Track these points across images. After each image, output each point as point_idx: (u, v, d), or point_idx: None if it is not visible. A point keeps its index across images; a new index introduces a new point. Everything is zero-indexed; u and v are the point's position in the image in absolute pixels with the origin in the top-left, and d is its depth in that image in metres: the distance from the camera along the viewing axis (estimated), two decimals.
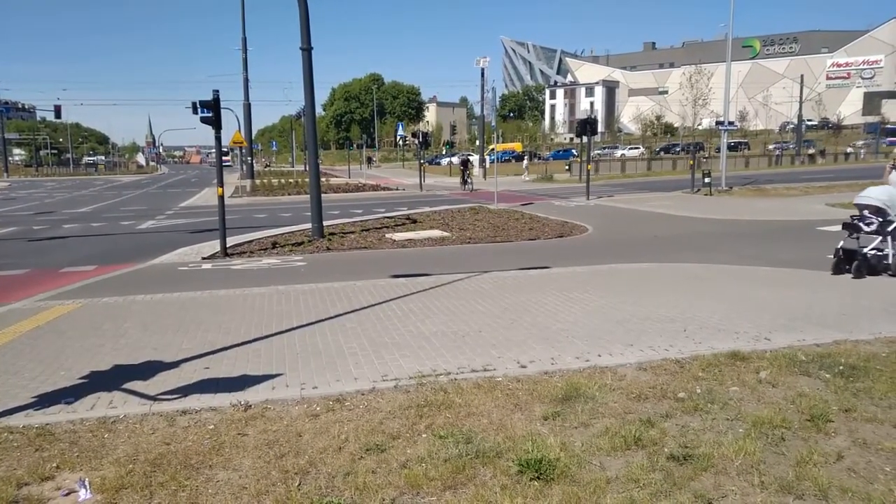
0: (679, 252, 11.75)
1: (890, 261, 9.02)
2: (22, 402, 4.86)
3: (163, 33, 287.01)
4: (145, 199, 32.43)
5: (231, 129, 36.40)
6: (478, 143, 53.02)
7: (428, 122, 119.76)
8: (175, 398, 4.89)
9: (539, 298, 7.95)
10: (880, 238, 9.12)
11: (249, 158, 42.98)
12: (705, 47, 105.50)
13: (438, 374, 5.25)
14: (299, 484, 3.59)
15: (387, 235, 14.65)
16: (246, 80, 42.02)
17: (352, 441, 4.09)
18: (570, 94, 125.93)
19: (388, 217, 18.79)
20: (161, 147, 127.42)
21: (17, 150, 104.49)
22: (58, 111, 62.15)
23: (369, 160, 51.04)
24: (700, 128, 68.67)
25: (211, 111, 12.41)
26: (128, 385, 5.16)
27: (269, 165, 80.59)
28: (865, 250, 9.05)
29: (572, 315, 7.10)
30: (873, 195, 9.18)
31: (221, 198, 12.60)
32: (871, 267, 9.06)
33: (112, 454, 4.02)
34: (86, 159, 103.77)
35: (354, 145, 61.95)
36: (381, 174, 52.72)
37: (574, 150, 62.61)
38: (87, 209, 26.83)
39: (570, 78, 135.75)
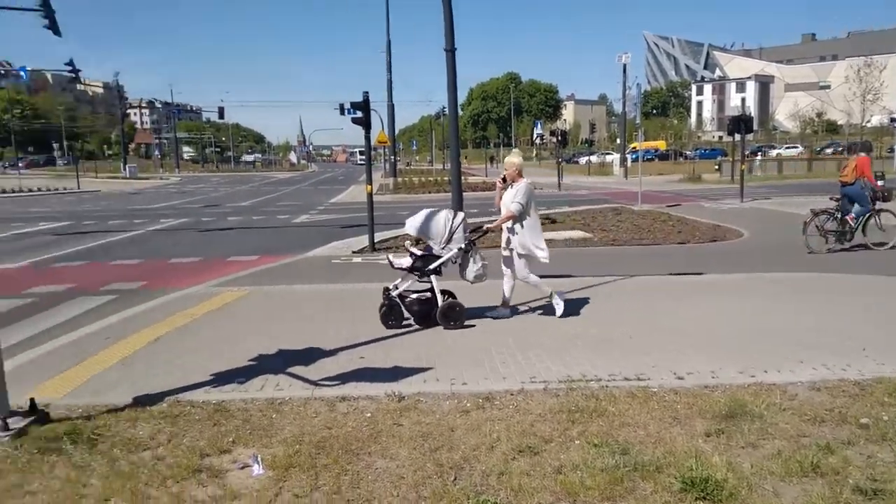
0: (851, 262, 10.70)
1: (438, 305, 6.77)
2: (201, 380, 5.32)
3: (313, 39, 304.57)
4: (298, 195, 34.62)
5: (376, 128, 37.90)
6: (618, 141, 51.49)
7: (565, 120, 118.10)
8: (334, 384, 5.14)
9: (692, 306, 7.56)
10: (416, 277, 6.89)
11: (393, 157, 44.52)
12: (875, 37, 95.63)
13: (588, 379, 5.13)
14: (455, 479, 3.63)
15: None
16: (389, 82, 43.47)
17: (503, 441, 4.08)
18: (719, 90, 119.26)
19: None
20: (311, 146, 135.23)
21: (186, 148, 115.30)
22: (221, 112, 67.94)
23: (491, 159, 51.21)
24: (869, 125, 62.35)
25: (361, 112, 12.97)
26: (291, 369, 5.51)
27: (409, 164, 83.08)
28: (394, 294, 6.85)
29: (731, 326, 6.67)
30: (411, 224, 6.84)
31: (370, 195, 13.15)
32: (417, 314, 6.87)
33: (280, 434, 4.29)
34: (245, 157, 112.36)
35: (491, 144, 62.42)
36: None
37: (724, 150, 59.11)
38: (247, 203, 29.08)
39: (718, 73, 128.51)
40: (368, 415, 4.56)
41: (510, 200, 7.00)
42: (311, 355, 5.89)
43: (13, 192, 38.30)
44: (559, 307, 7.19)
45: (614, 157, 54.50)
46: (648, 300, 7.91)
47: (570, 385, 5.01)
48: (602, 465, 3.70)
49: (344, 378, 5.28)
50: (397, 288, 6.90)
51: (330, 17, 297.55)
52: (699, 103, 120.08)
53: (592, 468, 3.67)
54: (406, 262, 6.89)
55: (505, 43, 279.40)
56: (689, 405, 4.58)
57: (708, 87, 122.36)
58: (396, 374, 5.37)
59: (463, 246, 6.87)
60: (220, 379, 5.34)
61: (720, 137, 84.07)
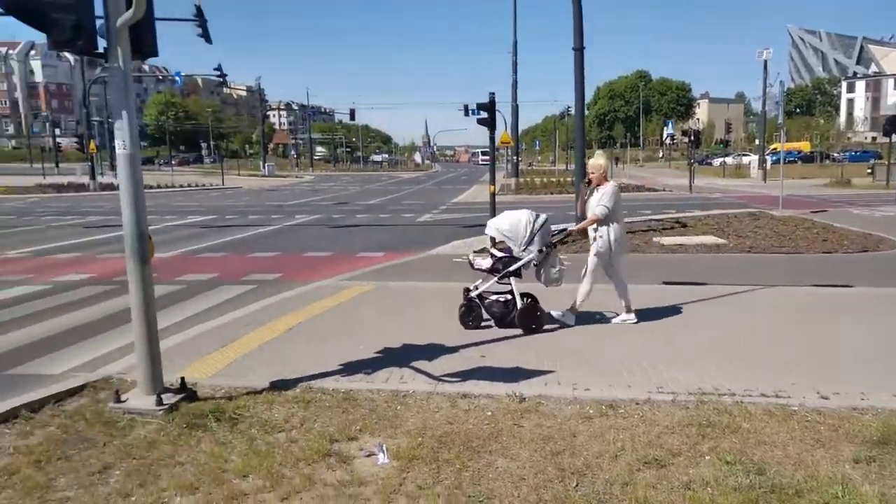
0: None
1: (517, 307, 6.68)
2: (331, 369, 5.58)
3: (442, 42, 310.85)
4: (422, 195, 35.43)
5: (500, 129, 38.07)
6: (757, 142, 48.42)
7: (698, 119, 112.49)
8: (456, 381, 5.22)
9: (839, 321, 6.97)
10: (496, 279, 6.77)
11: (515, 158, 44.52)
12: None
13: (721, 393, 4.87)
14: (577, 485, 3.58)
15: (654, 239, 14.05)
16: (515, 83, 43.47)
17: (628, 451, 3.96)
18: (874, 87, 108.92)
19: (654, 220, 18.02)
20: (435, 147, 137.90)
21: (319, 148, 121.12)
22: (352, 114, 70.76)
23: (617, 160, 49.78)
24: None
25: (487, 112, 13.09)
26: (415, 363, 5.65)
27: (531, 164, 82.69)
28: (473, 294, 6.85)
29: (884, 343, 6.09)
30: (493, 225, 6.84)
31: (493, 195, 13.24)
32: (496, 316, 6.82)
33: (404, 426, 4.42)
34: (373, 157, 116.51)
35: (618, 144, 60.78)
36: (644, 174, 50.99)
37: (878, 152, 53.99)
38: (374, 201, 30.15)
39: (873, 68, 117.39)
40: (489, 413, 4.59)
41: (595, 203, 6.82)
42: (433, 351, 6.01)
43: (167, 187, 41.99)
44: (561, 316, 6.95)
45: (752, 159, 51.34)
46: (789, 312, 7.39)
47: (701, 398, 4.78)
48: (735, 483, 3.50)
49: (464, 375, 5.34)
50: (477, 289, 6.92)
51: (459, 19, 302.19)
52: (850, 101, 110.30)
53: (724, 486, 3.48)
54: (486, 263, 6.89)
55: (635, 40, 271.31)
56: (834, 427, 4.23)
57: (861, 84, 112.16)
58: (517, 374, 5.36)
59: (544, 249, 6.75)
60: (349, 368, 5.58)
61: (874, 139, 76.89)
